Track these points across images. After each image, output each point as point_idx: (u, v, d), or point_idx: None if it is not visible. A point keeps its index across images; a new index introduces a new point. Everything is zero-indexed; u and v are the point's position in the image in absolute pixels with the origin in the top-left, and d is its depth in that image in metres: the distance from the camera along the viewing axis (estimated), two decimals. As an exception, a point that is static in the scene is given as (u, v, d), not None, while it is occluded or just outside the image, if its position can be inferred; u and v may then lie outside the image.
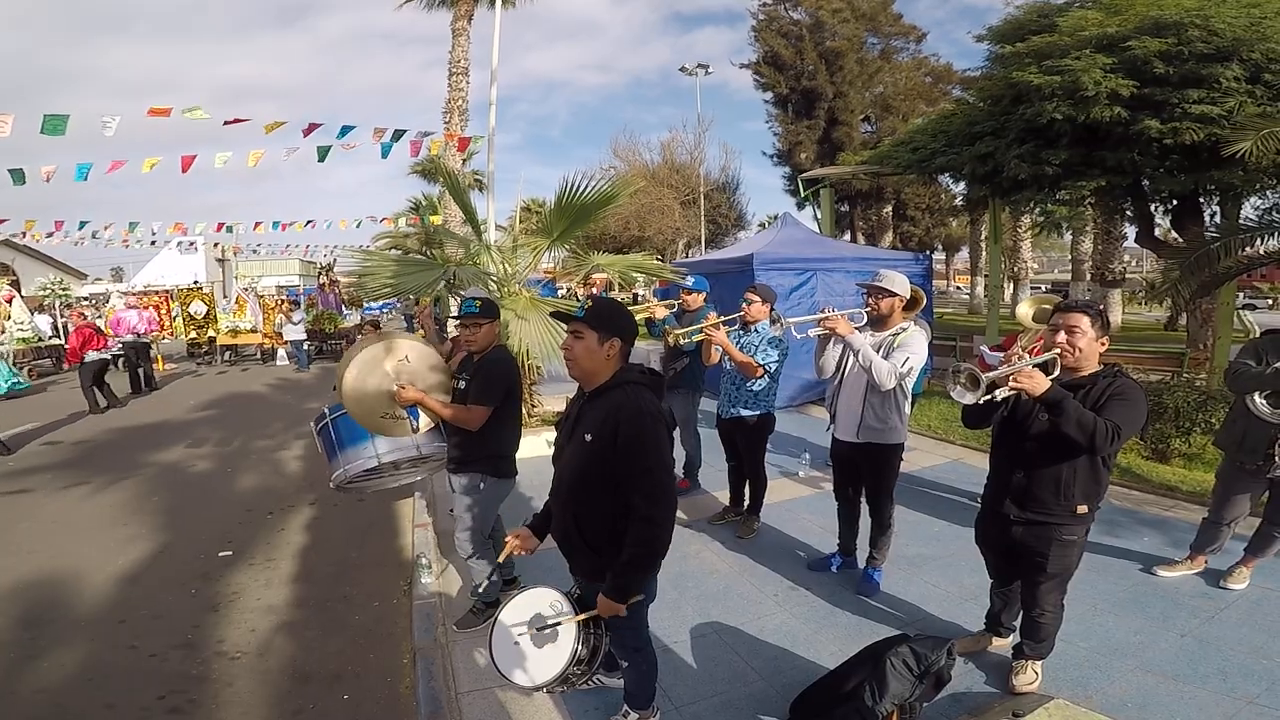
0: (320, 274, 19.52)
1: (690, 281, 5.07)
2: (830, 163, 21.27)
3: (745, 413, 4.24)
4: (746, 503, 4.55)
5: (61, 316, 16.54)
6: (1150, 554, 3.87)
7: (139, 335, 11.97)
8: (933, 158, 9.80)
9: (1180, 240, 8.46)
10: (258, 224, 16.32)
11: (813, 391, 8.09)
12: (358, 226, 16.09)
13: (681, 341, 4.55)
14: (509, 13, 15.36)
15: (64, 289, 18.88)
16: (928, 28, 26.87)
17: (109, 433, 8.61)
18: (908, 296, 3.44)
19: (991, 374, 2.25)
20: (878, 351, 3.30)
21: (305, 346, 15.15)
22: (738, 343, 4.18)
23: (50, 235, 15.65)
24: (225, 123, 8.61)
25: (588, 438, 2.06)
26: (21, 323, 14.79)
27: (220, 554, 4.57)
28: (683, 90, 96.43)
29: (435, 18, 17.39)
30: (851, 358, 3.42)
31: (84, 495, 5.91)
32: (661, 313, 5.17)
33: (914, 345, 3.29)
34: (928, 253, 24.64)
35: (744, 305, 4.19)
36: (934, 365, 9.04)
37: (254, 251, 22.37)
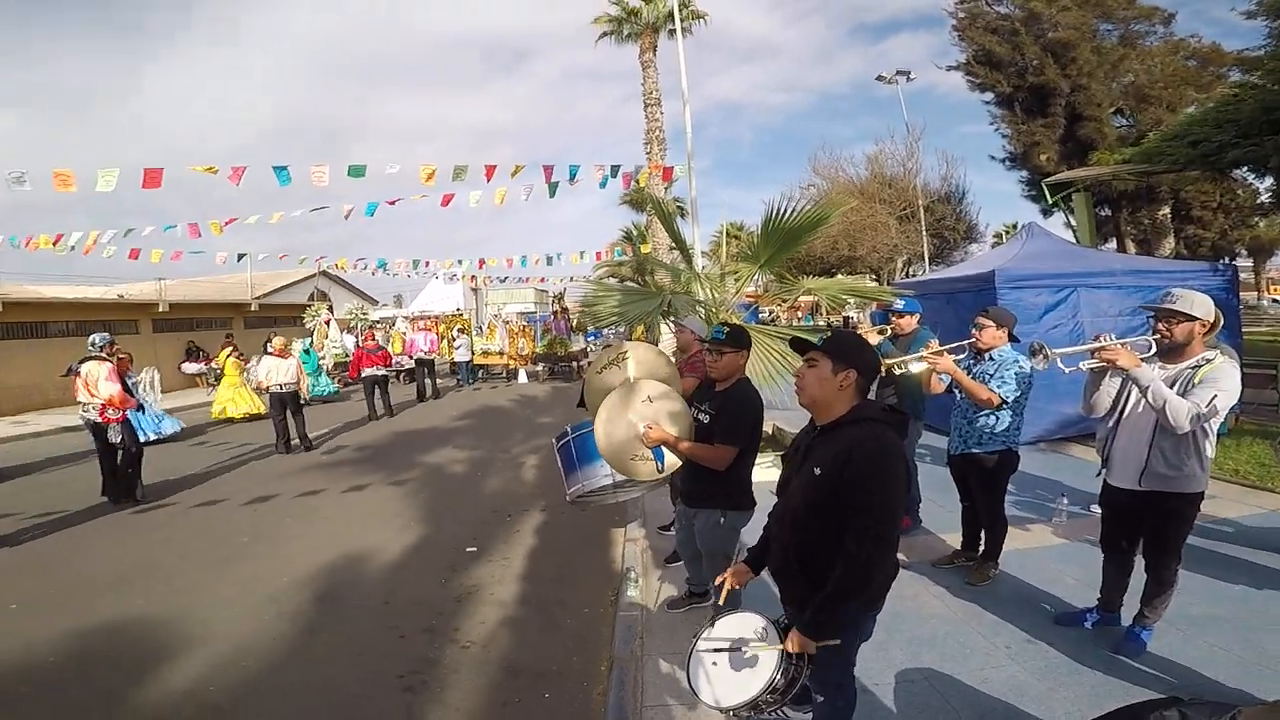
0: (553, 302, 21.83)
1: (900, 304, 4.75)
2: (1080, 163, 18.41)
3: (980, 450, 3.82)
4: (981, 548, 4.09)
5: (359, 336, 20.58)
6: None
7: (425, 353, 15.16)
8: (1221, 151, 8.04)
9: None
10: (510, 259, 18.87)
11: (1073, 427, 6.99)
12: (581, 257, 18.11)
13: (899, 370, 4.23)
14: (688, 40, 16.20)
15: (364, 314, 23.40)
16: (1173, 7, 22.07)
17: (389, 436, 10.44)
18: (1210, 320, 2.82)
19: None
20: (1173, 387, 2.76)
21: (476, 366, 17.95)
22: (969, 373, 3.81)
23: (355, 266, 19.74)
24: (487, 177, 10.23)
25: (817, 471, 2.01)
26: (334, 341, 18.85)
27: (467, 549, 5.23)
28: (882, 100, 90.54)
29: (625, 52, 19.82)
30: (1135, 393, 2.92)
31: (369, 490, 7.17)
32: (874, 339, 4.89)
33: (1224, 380, 2.69)
34: (1227, 260, 19.96)
35: (974, 331, 3.82)
36: (1244, 399, 7.27)
37: (501, 282, 25.65)
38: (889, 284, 11.76)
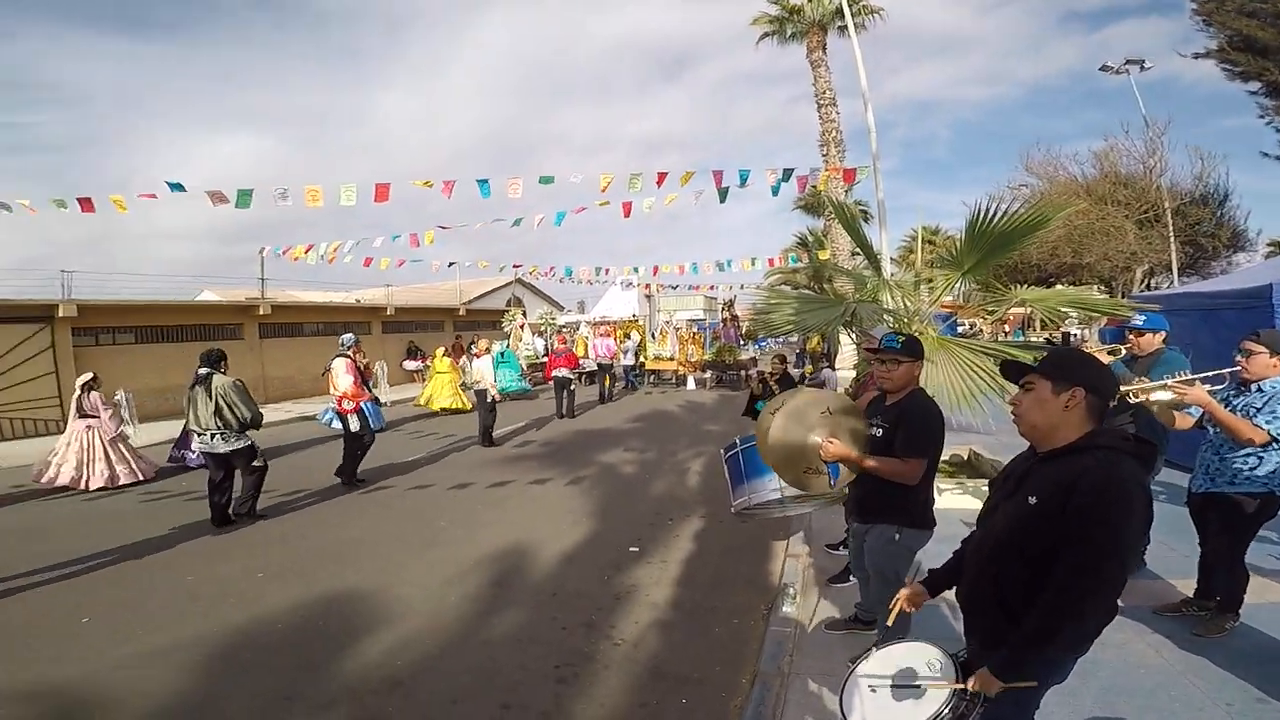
0: (723, 309, 21.84)
1: (1140, 320, 4.12)
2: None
3: (1231, 490, 3.22)
4: (1218, 598, 3.46)
5: (549, 340, 22.15)
6: None
7: (605, 358, 16.18)
8: None
9: None
10: (681, 266, 19.28)
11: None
12: (753, 264, 18.06)
13: (1139, 397, 3.60)
14: (863, 36, 15.18)
15: (552, 319, 25.21)
16: None
17: (570, 435, 11.14)
18: None
19: None
20: None
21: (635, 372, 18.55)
22: (1227, 405, 3.17)
23: (546, 274, 21.42)
24: (658, 183, 10.65)
25: (1032, 500, 1.79)
26: (527, 344, 20.62)
27: (630, 549, 5.38)
28: (1107, 92, 76.62)
29: (789, 52, 19.29)
30: None
31: (549, 484, 7.66)
32: (1104, 359, 4.22)
33: None
34: None
35: (1239, 358, 3.19)
36: None
37: (672, 289, 26.12)
38: (1124, 296, 10.10)
